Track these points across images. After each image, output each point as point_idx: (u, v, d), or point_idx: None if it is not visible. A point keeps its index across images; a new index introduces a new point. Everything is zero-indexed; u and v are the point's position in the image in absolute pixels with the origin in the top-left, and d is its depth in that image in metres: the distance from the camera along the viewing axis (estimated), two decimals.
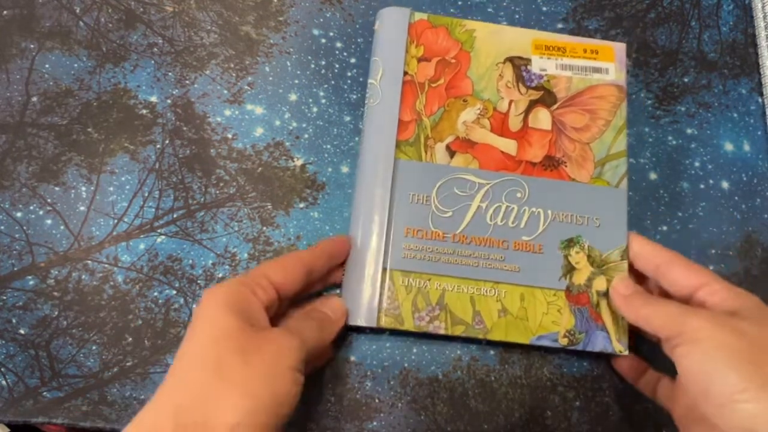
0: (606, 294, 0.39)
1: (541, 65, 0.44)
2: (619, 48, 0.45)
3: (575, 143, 0.43)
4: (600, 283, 0.40)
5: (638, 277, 0.40)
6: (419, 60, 0.43)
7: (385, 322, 0.38)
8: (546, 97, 0.43)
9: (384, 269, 0.39)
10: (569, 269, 0.40)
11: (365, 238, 0.39)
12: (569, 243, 0.40)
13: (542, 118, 0.43)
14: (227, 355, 0.30)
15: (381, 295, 0.38)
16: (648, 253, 0.39)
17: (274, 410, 0.29)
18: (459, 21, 0.44)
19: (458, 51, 0.44)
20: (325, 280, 0.39)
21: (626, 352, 0.39)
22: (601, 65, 0.44)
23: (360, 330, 0.40)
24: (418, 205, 0.40)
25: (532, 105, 0.43)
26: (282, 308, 0.36)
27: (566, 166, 0.42)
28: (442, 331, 0.38)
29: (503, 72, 0.44)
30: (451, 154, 0.42)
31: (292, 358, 0.31)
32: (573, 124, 0.43)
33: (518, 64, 0.44)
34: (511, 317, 0.39)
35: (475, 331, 0.38)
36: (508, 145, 0.42)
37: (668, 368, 0.36)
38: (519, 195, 0.41)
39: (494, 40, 0.44)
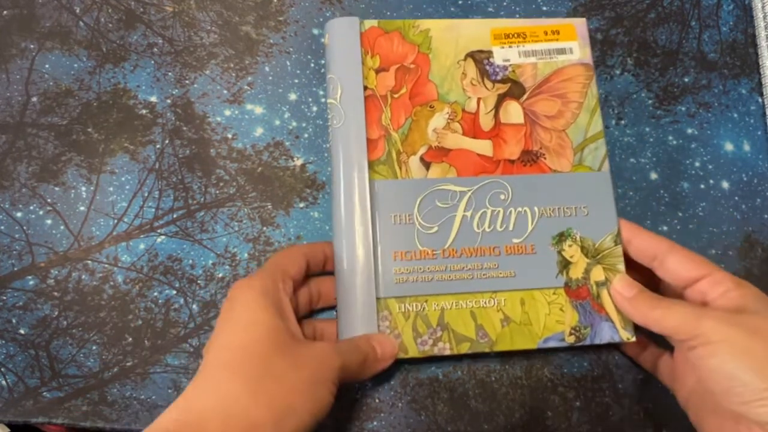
0: (605, 283, 0.39)
1: (503, 56, 0.42)
2: (580, 24, 0.43)
3: (551, 132, 0.41)
4: (597, 274, 0.39)
5: (631, 262, 0.39)
6: (377, 71, 0.41)
7: None
8: (514, 89, 0.42)
9: (377, 299, 0.37)
10: (565, 264, 0.39)
11: (352, 269, 0.37)
12: (560, 237, 0.39)
13: (513, 112, 0.41)
14: (276, 355, 0.31)
15: (379, 326, 0.37)
16: (643, 243, 0.38)
17: (313, 413, 0.30)
18: (411, 22, 0.42)
19: (416, 55, 0.42)
20: (317, 289, 0.39)
21: (634, 339, 0.38)
22: (565, 45, 0.43)
23: None
24: (402, 226, 0.38)
25: (501, 100, 0.41)
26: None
27: (545, 158, 0.41)
28: (447, 352, 0.37)
29: (466, 69, 0.42)
30: (427, 165, 0.40)
31: (333, 373, 0.32)
32: (545, 113, 0.41)
33: (480, 59, 0.42)
34: (515, 324, 0.38)
35: (481, 345, 0.38)
36: (484, 146, 0.41)
37: (669, 346, 0.37)
38: (502, 197, 0.40)
39: (451, 37, 0.42)
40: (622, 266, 0.39)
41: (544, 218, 0.40)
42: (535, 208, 0.40)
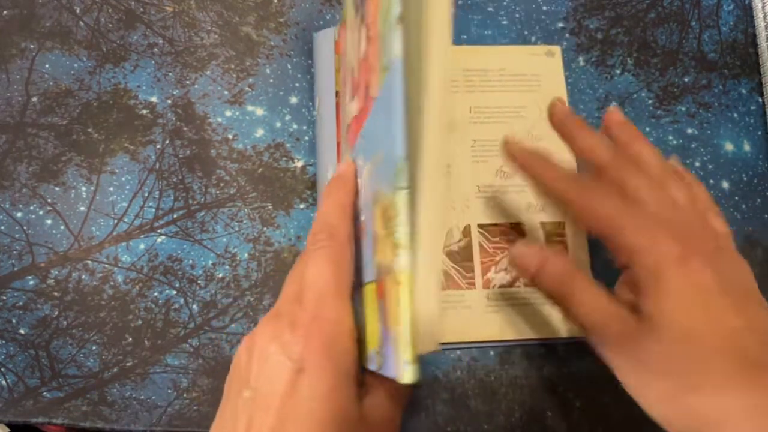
0: (390, 269, 0.21)
1: None
2: None
3: (371, 38, 0.25)
4: (383, 252, 0.22)
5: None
6: (339, 71, 0.39)
7: None
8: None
9: None
10: (376, 243, 0.24)
11: None
12: (375, 201, 0.25)
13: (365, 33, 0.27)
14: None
15: None
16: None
17: None
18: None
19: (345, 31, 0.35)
20: None
21: (409, 380, 0.20)
22: None
23: None
24: None
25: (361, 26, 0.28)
26: None
27: (366, 87, 0.26)
28: None
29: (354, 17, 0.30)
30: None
31: None
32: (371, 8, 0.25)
33: None
34: (363, 333, 0.27)
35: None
36: (354, 106, 0.30)
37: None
38: (360, 162, 0.29)
39: None
40: (401, 230, 0.20)
41: (373, 176, 0.25)
42: (370, 165, 0.26)
